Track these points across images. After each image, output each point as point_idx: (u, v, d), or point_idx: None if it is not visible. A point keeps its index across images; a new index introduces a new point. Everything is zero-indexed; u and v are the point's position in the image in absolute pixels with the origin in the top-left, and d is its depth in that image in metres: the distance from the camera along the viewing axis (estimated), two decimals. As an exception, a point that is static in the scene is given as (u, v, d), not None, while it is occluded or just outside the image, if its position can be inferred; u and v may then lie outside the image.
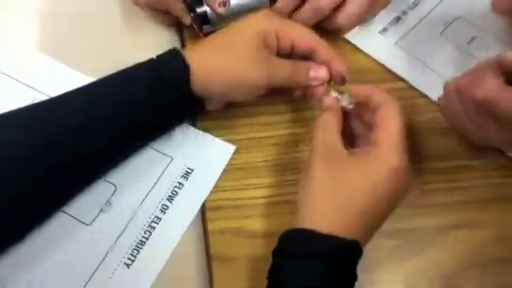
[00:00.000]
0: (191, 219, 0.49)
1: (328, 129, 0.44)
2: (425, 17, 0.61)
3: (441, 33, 0.60)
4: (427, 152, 0.53)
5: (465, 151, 0.53)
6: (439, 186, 0.52)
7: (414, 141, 0.53)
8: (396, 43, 0.59)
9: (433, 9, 0.61)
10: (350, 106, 0.46)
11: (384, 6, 0.61)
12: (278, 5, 0.54)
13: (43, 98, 0.51)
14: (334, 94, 0.47)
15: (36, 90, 0.53)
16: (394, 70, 0.57)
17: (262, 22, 0.47)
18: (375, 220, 0.42)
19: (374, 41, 0.59)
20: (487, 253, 0.49)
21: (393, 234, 0.49)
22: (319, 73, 0.48)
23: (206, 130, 0.53)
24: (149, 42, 0.57)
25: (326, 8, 0.53)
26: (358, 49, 0.59)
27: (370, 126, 0.44)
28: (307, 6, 0.54)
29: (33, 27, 0.58)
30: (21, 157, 0.42)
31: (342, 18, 0.55)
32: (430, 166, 0.52)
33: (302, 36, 0.48)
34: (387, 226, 0.48)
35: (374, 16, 0.60)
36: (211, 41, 0.48)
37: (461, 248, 0.49)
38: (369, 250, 0.47)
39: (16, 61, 0.56)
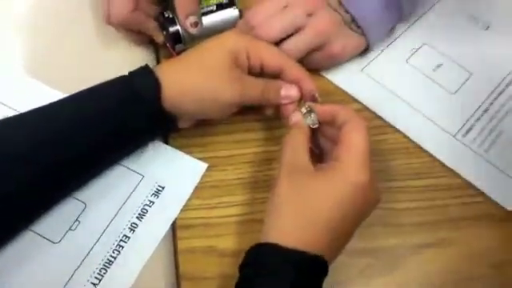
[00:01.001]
0: (161, 238, 0.48)
1: (296, 145, 0.44)
2: (391, 43, 0.61)
3: (407, 60, 0.60)
4: (398, 171, 0.54)
5: (435, 171, 0.54)
6: (410, 205, 0.52)
7: (385, 160, 0.54)
8: (362, 70, 0.59)
9: (399, 35, 0.62)
10: (315, 126, 0.47)
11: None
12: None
13: (12, 112, 0.52)
14: (303, 110, 0.47)
15: (6, 106, 0.53)
16: (357, 97, 0.57)
17: (232, 41, 0.48)
18: (341, 236, 0.42)
19: (340, 67, 0.58)
20: (459, 271, 0.49)
21: (365, 252, 0.49)
22: (290, 91, 0.49)
23: (178, 147, 0.53)
24: (125, 60, 0.57)
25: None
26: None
27: (336, 143, 0.45)
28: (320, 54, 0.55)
29: (7, 44, 0.58)
30: None
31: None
32: (401, 185, 0.53)
33: (270, 55, 0.48)
34: (359, 244, 0.49)
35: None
36: (183, 59, 0.49)
37: (432, 267, 0.49)
38: (341, 267, 0.47)
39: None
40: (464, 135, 0.55)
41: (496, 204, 0.52)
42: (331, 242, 0.41)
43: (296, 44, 0.52)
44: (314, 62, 0.55)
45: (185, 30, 0.54)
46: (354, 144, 0.43)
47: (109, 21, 0.54)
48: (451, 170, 0.53)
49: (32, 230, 0.47)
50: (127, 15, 0.53)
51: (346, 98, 0.57)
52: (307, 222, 0.40)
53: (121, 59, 0.58)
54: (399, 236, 0.50)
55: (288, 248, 0.39)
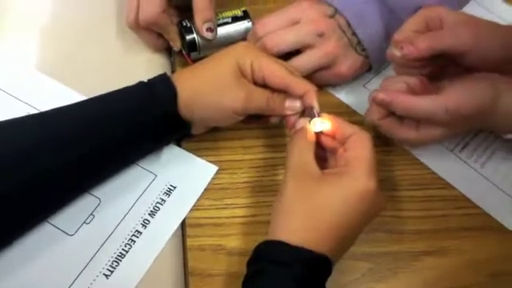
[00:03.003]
0: (171, 235, 0.50)
1: (302, 149, 0.46)
2: (389, 63, 0.61)
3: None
4: (401, 181, 0.56)
5: (436, 182, 0.56)
6: (413, 214, 0.54)
7: (388, 170, 0.56)
8: (364, 86, 0.61)
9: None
10: (321, 130, 0.48)
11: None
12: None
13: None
14: (314, 113, 0.49)
15: (30, 106, 0.55)
16: (359, 110, 0.59)
17: (240, 53, 0.50)
18: (346, 239, 0.44)
19: (343, 83, 0.60)
20: (458, 279, 0.51)
21: (368, 257, 0.51)
22: (294, 103, 0.50)
23: (190, 150, 0.55)
24: (143, 65, 0.60)
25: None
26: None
27: (334, 152, 0.47)
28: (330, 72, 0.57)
29: (31, 46, 0.61)
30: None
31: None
32: (404, 195, 0.55)
33: (272, 72, 0.49)
34: (363, 249, 0.51)
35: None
36: (195, 68, 0.51)
37: (432, 274, 0.51)
38: (344, 270, 0.49)
39: (14, 78, 0.58)
40: (460, 151, 0.57)
41: (495, 215, 0.54)
42: (337, 244, 0.42)
43: (305, 62, 0.54)
44: (321, 80, 0.57)
45: (201, 36, 0.57)
46: (362, 152, 0.45)
47: (136, 21, 0.56)
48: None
49: (48, 222, 0.49)
50: (158, 15, 0.55)
51: (349, 111, 0.60)
52: (315, 223, 0.42)
53: (139, 64, 0.60)
54: (401, 243, 0.52)
55: (293, 246, 0.41)
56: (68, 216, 0.49)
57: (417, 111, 0.49)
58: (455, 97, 0.48)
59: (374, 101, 0.51)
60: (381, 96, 0.50)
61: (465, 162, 0.57)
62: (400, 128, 0.52)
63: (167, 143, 0.53)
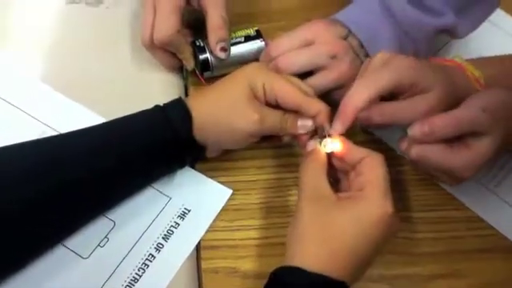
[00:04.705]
0: (185, 259, 0.50)
1: (315, 172, 0.46)
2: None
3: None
4: (415, 202, 0.55)
5: (450, 203, 0.55)
6: (426, 236, 0.54)
7: (401, 190, 0.56)
8: None
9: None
10: (333, 151, 0.48)
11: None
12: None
13: (52, 132, 0.55)
14: (318, 138, 0.49)
15: (46, 125, 0.56)
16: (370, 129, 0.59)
17: (251, 75, 0.50)
18: (363, 264, 0.43)
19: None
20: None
21: (381, 279, 0.51)
22: (306, 122, 0.50)
23: (204, 172, 0.55)
24: (157, 84, 0.61)
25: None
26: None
27: (346, 173, 0.47)
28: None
29: (46, 63, 0.62)
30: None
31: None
32: (418, 216, 0.55)
33: (284, 93, 0.49)
34: (376, 271, 0.51)
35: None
36: (209, 90, 0.51)
37: (447, 297, 0.51)
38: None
39: (27, 95, 0.58)
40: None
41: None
42: (354, 269, 0.42)
43: (318, 83, 0.54)
44: (333, 99, 0.56)
45: (214, 55, 0.57)
46: (376, 176, 0.44)
47: (150, 41, 0.56)
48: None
49: (63, 244, 0.49)
50: (173, 34, 0.55)
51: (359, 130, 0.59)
52: (332, 248, 0.42)
53: (153, 83, 0.61)
54: (415, 265, 0.52)
55: (312, 272, 0.41)
56: (82, 238, 0.49)
57: (459, 122, 0.47)
58: (483, 95, 0.48)
59: (413, 139, 0.48)
60: (417, 129, 0.46)
61: (479, 181, 0.56)
62: (451, 153, 0.48)
63: (182, 167, 0.53)
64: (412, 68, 0.48)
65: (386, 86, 0.47)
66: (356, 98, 0.47)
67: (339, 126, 0.47)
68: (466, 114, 0.47)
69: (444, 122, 0.46)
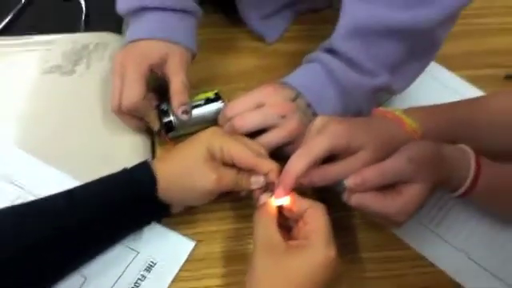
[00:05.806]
0: (151, 311, 0.54)
1: (266, 223, 0.52)
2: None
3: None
4: (362, 244, 0.61)
5: (395, 243, 0.61)
6: (376, 274, 0.59)
7: (354, 234, 0.61)
8: None
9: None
10: (280, 204, 0.53)
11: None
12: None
13: (27, 195, 0.59)
14: (270, 192, 0.55)
15: (21, 188, 0.60)
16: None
17: (209, 139, 0.56)
18: None
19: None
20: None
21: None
22: (258, 179, 0.56)
23: (169, 225, 0.60)
24: (126, 143, 0.66)
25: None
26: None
27: (296, 221, 0.53)
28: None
29: (17, 129, 0.66)
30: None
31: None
32: (367, 256, 0.60)
33: (240, 155, 0.55)
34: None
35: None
36: (173, 154, 0.57)
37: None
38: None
39: (2, 160, 0.62)
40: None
41: (448, 273, 0.59)
42: None
43: (270, 140, 0.60)
44: (284, 153, 0.62)
45: (177, 118, 0.63)
46: (318, 225, 0.50)
47: (119, 107, 0.62)
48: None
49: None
50: (138, 102, 0.61)
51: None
52: None
53: (122, 143, 0.66)
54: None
55: None
56: (55, 295, 0.53)
57: (384, 172, 0.52)
58: (412, 146, 0.53)
59: (350, 190, 0.52)
60: (352, 181, 0.52)
61: (421, 222, 0.62)
62: (384, 199, 0.52)
63: (148, 224, 0.59)
64: (345, 132, 0.54)
65: (321, 153, 0.53)
66: (294, 167, 0.53)
67: (281, 191, 0.53)
68: (390, 164, 0.52)
69: (371, 173, 0.52)
